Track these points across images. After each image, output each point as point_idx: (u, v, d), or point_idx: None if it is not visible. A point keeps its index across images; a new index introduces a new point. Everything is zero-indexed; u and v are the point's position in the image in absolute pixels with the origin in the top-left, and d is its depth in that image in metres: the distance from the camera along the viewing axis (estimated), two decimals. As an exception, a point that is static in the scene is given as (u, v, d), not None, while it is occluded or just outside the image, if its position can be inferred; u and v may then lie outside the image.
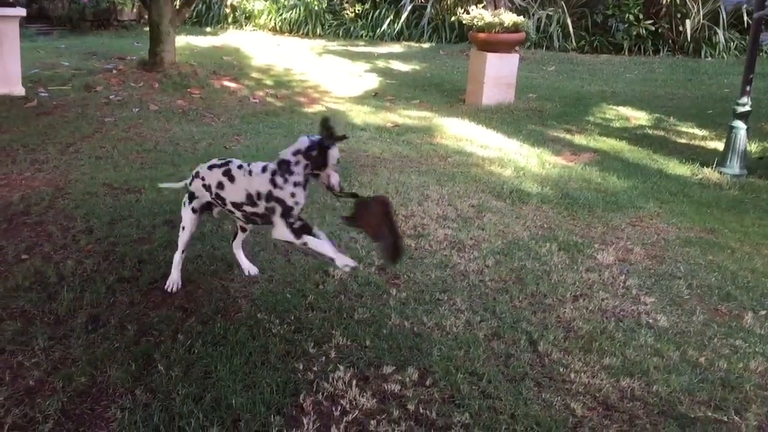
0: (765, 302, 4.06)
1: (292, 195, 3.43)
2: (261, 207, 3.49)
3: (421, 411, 2.93)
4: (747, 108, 6.62)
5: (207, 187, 3.65)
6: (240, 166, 3.59)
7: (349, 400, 2.98)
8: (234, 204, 3.57)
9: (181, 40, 12.24)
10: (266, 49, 13.26)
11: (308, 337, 3.41)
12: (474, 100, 9.35)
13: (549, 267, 4.38)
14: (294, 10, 15.83)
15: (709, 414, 3.00)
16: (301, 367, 3.18)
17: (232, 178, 3.56)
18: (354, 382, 3.08)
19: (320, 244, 3.46)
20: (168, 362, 3.14)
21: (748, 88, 6.61)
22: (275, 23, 15.93)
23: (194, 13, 16.07)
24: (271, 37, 15.16)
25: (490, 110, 9.00)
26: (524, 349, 3.44)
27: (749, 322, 3.82)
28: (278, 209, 3.44)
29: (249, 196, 3.50)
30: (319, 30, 15.79)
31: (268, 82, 10.30)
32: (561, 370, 3.28)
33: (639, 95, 10.47)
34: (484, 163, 6.72)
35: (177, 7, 9.95)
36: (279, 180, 3.43)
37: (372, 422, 2.85)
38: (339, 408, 2.92)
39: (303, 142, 3.46)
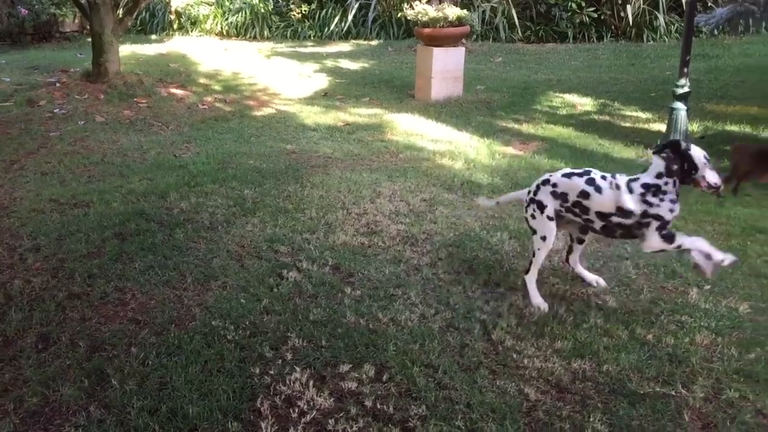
0: (708, 278, 4.18)
1: (671, 210, 3.52)
2: (632, 220, 3.57)
3: (379, 406, 2.96)
4: (686, 89, 6.80)
5: (560, 195, 3.76)
6: (604, 177, 3.73)
7: (307, 400, 2.99)
8: (599, 214, 3.65)
9: (126, 49, 12.05)
10: (213, 54, 13.14)
11: (264, 341, 3.42)
12: (423, 95, 9.41)
13: (501, 256, 4.45)
14: (240, 14, 15.70)
15: (658, 389, 3.09)
16: (257, 371, 3.18)
17: (599, 189, 3.66)
18: (311, 383, 3.10)
19: (694, 240, 3.54)
20: (122, 376, 3.11)
21: (685, 70, 6.79)
22: (222, 28, 15.79)
23: (138, 21, 15.83)
24: (218, 42, 15.02)
25: (440, 104, 9.07)
26: (478, 339, 3.50)
27: (694, 298, 3.93)
28: (654, 223, 3.52)
29: (619, 209, 3.58)
30: (266, 32, 15.69)
31: (217, 87, 10.22)
32: (514, 356, 3.34)
33: (584, 82, 10.66)
34: (435, 157, 6.78)
35: (119, 16, 9.79)
36: (653, 200, 3.52)
37: (330, 421, 2.87)
38: (296, 409, 2.94)
39: (659, 165, 3.53)
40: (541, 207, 3.82)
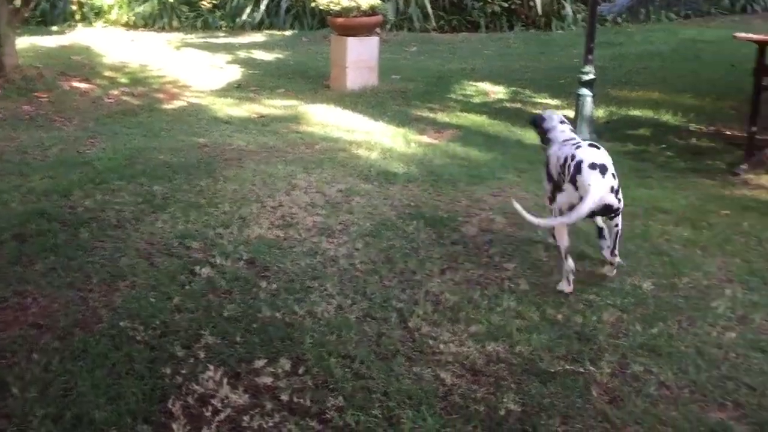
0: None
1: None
2: None
3: (295, 400, 2.93)
4: (591, 76, 7.02)
5: None
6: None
7: (221, 398, 2.93)
8: None
9: (24, 42, 11.46)
10: (120, 45, 12.67)
11: (175, 341, 3.32)
12: (338, 85, 9.36)
13: (417, 244, 4.48)
14: (147, 3, 15.19)
15: (567, 367, 3.18)
16: (168, 371, 3.09)
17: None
18: (225, 380, 3.03)
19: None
20: (23, 384, 2.96)
21: (590, 57, 7.00)
22: (128, 18, 15.23)
23: (38, 12, 15.08)
24: (125, 33, 14.49)
25: (355, 94, 9.05)
26: (395, 327, 3.51)
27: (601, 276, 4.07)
28: None
29: None
30: (175, 23, 15.24)
31: (124, 80, 9.86)
32: (431, 342, 3.37)
33: (496, 70, 10.85)
34: (351, 147, 6.76)
35: (16, 5, 9.29)
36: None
37: (245, 418, 2.82)
38: (210, 408, 2.87)
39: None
40: None
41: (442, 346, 3.34)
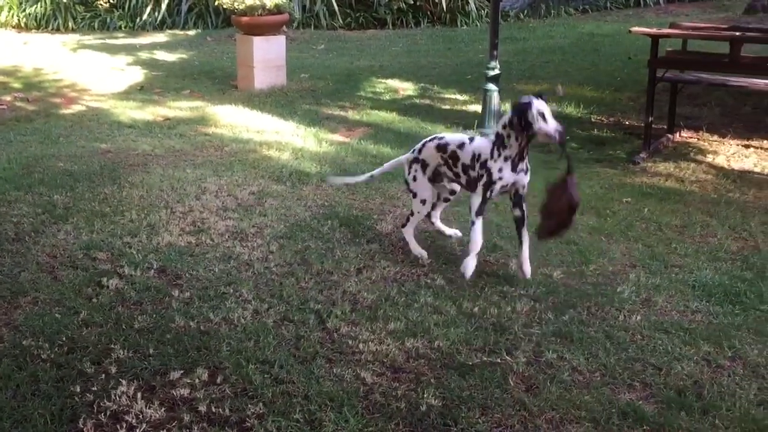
0: (525, 247, 4.45)
1: (500, 170, 3.87)
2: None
3: (214, 410, 2.86)
4: (496, 71, 7.17)
5: (441, 148, 4.15)
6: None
7: (135, 414, 2.82)
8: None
9: None
10: (11, 48, 12.04)
11: (84, 357, 3.19)
12: (246, 86, 9.21)
13: (332, 244, 4.46)
14: (39, 4, 14.48)
15: (485, 359, 3.24)
16: (78, 389, 2.96)
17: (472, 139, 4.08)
18: (139, 395, 2.93)
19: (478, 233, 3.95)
20: None
21: (495, 53, 7.16)
22: (19, 19, 14.48)
23: None
24: (16, 36, 13.77)
25: (264, 94, 8.92)
26: (314, 329, 3.48)
27: (514, 269, 4.17)
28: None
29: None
30: (71, 24, 14.60)
31: (17, 84, 9.37)
32: (350, 342, 3.37)
33: (405, 67, 10.94)
34: (262, 148, 6.67)
35: None
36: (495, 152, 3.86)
37: (162, 433, 2.73)
38: (124, 425, 2.76)
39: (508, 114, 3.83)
40: (424, 167, 4.19)
41: (361, 345, 3.34)
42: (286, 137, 7.03)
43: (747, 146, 6.62)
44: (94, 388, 2.97)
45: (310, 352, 3.27)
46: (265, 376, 3.09)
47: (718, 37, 6.47)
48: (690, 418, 2.83)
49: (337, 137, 7.14)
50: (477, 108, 7.79)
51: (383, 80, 9.96)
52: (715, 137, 6.89)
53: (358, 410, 2.87)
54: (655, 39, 6.29)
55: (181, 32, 14.57)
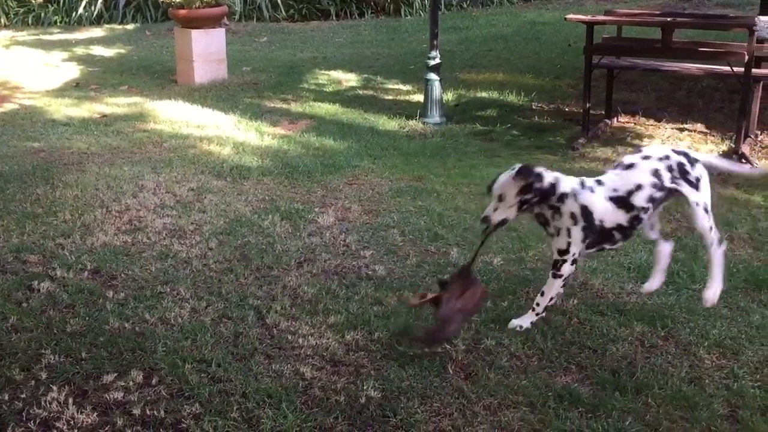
0: (466, 236, 4.48)
1: None
2: None
3: (148, 413, 2.80)
4: (437, 60, 7.20)
5: None
6: None
7: (66, 420, 2.75)
8: None
9: None
10: (-61, 45, 11.58)
11: (13, 363, 3.08)
12: (186, 80, 9.04)
13: (273, 238, 4.41)
14: (-32, -1, 13.97)
15: (426, 348, 3.25)
16: (6, 397, 2.87)
17: None
18: (71, 400, 2.85)
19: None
20: None
21: (435, 42, 7.18)
22: (-53, 15, 13.94)
23: None
24: (-55, 32, 13.26)
25: (204, 88, 8.77)
26: (253, 325, 3.44)
27: (455, 257, 4.19)
28: None
29: None
30: (3, 20, 14.11)
31: (-55, 83, 9.02)
32: (289, 337, 3.34)
33: (348, 58, 10.89)
34: (203, 143, 6.55)
35: None
36: None
37: (94, 438, 2.67)
38: (55, 431, 2.69)
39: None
40: None
41: (301, 339, 3.31)
42: (227, 132, 6.93)
43: (681, 129, 6.79)
44: (23, 396, 2.88)
45: (248, 349, 3.23)
46: (202, 375, 3.04)
47: (650, 23, 6.62)
48: (624, 398, 2.89)
49: (280, 130, 7.07)
50: (420, 98, 7.81)
51: (326, 72, 9.90)
52: (651, 121, 7.04)
53: (296, 406, 2.85)
54: (590, 26, 6.38)
55: (119, 26, 14.22)
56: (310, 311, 3.56)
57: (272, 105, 8.13)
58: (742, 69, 5.75)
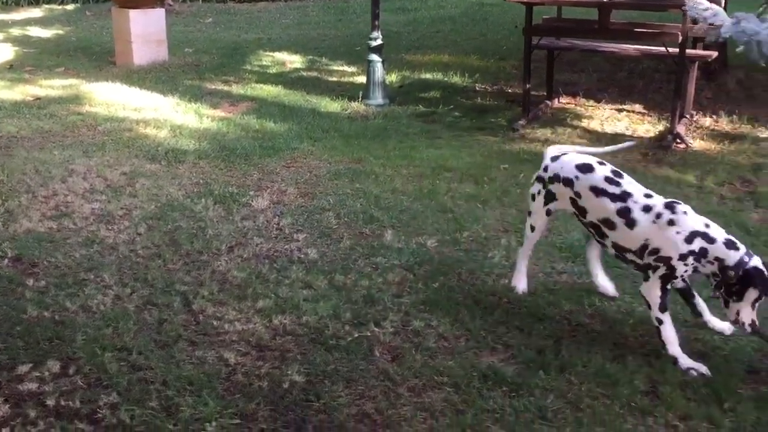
0: (402, 218, 4.45)
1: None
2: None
3: (63, 403, 2.71)
4: (379, 41, 7.13)
5: None
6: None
7: (-26, 414, 2.65)
8: None
9: None
10: None
11: None
12: (125, 61, 8.80)
13: (204, 223, 4.32)
14: None
15: (353, 331, 3.22)
16: None
17: None
18: (-19, 393, 2.75)
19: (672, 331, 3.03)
20: None
21: (376, 23, 7.11)
22: None
23: None
24: None
25: (144, 70, 8.55)
26: (178, 311, 3.36)
27: (389, 239, 4.16)
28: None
29: None
30: (-66, -2, 13.56)
31: None
32: (215, 323, 3.27)
33: (294, 39, 10.74)
34: (139, 126, 6.39)
35: None
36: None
37: (4, 430, 2.57)
38: (-39, 426, 2.59)
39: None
40: None
41: (227, 325, 3.25)
42: (165, 114, 6.77)
43: (620, 110, 6.86)
44: (-70, 390, 2.76)
45: (172, 336, 3.16)
46: (122, 363, 2.96)
47: (587, 4, 6.65)
48: (547, 377, 2.90)
49: (220, 113, 6.93)
50: (364, 80, 7.74)
51: (271, 53, 9.74)
52: (591, 102, 7.11)
53: (218, 392, 2.79)
54: (529, 6, 6.38)
55: (59, 7, 13.78)
56: (239, 296, 3.50)
57: (213, 87, 7.97)
58: (677, 50, 5.83)
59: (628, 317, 3.35)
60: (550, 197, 3.40)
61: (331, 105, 7.22)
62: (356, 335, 3.19)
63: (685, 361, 2.94)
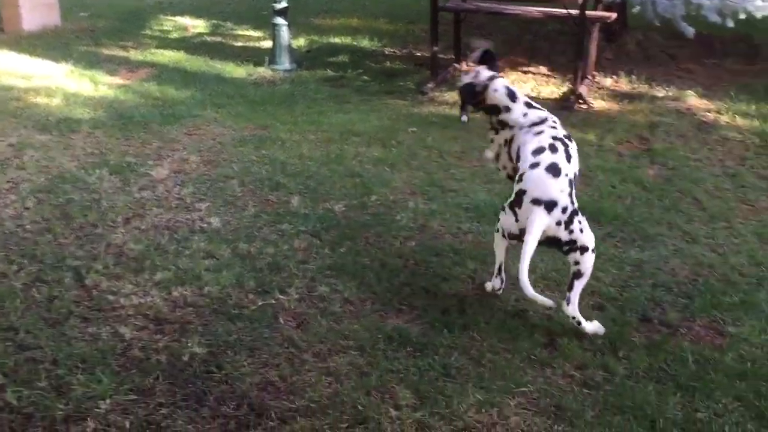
0: (309, 183, 4.37)
1: None
2: None
3: (-60, 391, 2.54)
4: (284, 4, 6.94)
5: None
6: None
7: None
8: None
9: None
10: None
11: None
12: (13, 28, 8.24)
13: (99, 195, 4.12)
14: None
15: (258, 300, 3.14)
16: None
17: None
18: None
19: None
20: None
21: (280, -15, 6.91)
22: None
23: None
24: None
25: (34, 36, 8.04)
26: (70, 287, 3.20)
27: (295, 205, 4.08)
28: None
29: None
30: None
31: None
32: (110, 298, 3.13)
33: (197, 3, 10.34)
34: (28, 95, 6.01)
35: None
36: None
37: None
38: None
39: None
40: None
41: (123, 299, 3.11)
42: (58, 82, 6.39)
43: (526, 72, 6.95)
44: None
45: (63, 313, 3.00)
46: (8, 344, 2.79)
47: (492, -34, 6.65)
48: (452, 335, 2.92)
49: (117, 80, 6.61)
50: (270, 44, 7.53)
51: (172, 17, 9.35)
52: (499, 65, 7.15)
53: (112, 369, 2.67)
54: (434, -32, 6.33)
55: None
56: (135, 269, 3.35)
57: (110, 53, 7.58)
58: (578, 11, 5.92)
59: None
60: None
61: (236, 70, 7.00)
62: (260, 304, 3.12)
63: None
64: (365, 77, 6.91)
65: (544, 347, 2.85)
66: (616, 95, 6.22)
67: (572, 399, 2.57)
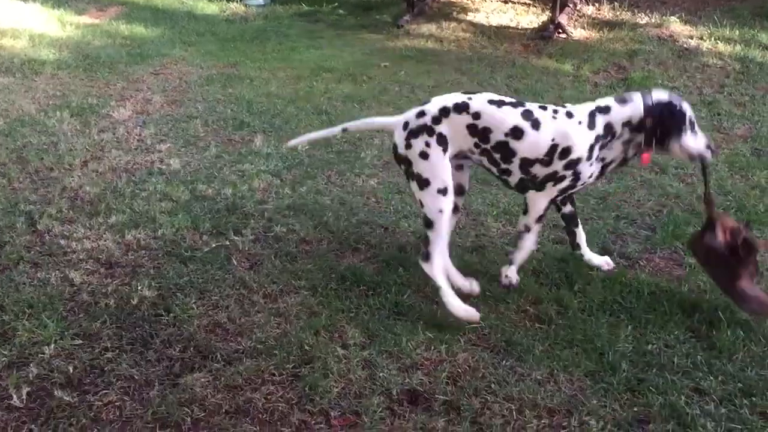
0: (274, 122, 4.28)
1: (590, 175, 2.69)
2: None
3: None
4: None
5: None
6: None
7: None
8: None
9: None
10: None
11: None
12: (-20, -34, 7.98)
13: (57, 137, 4.03)
14: None
15: (212, 242, 3.09)
16: None
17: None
18: None
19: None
20: None
21: None
22: None
23: None
24: None
25: (1, -25, 7.79)
26: (22, 233, 3.14)
27: (258, 145, 3.99)
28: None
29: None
30: None
31: None
32: (62, 242, 3.07)
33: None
34: (-7, 37, 5.86)
35: None
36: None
37: None
38: None
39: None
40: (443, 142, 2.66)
41: (75, 244, 3.06)
42: (24, 23, 6.22)
43: (506, 2, 6.74)
44: None
45: (12, 259, 2.95)
46: (-46, 293, 2.75)
47: None
48: (406, 273, 2.87)
49: (85, 19, 6.43)
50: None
51: (145, -47, 9.04)
52: (479, -5, 6.95)
53: (60, 314, 2.63)
54: None
55: None
56: (90, 213, 3.29)
57: (80, -9, 7.35)
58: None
59: (493, 209, 3.35)
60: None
61: (208, 7, 6.81)
62: (214, 245, 3.07)
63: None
64: (340, 11, 6.73)
65: (499, 282, 2.81)
66: (597, 23, 6.04)
67: (523, 334, 2.54)
